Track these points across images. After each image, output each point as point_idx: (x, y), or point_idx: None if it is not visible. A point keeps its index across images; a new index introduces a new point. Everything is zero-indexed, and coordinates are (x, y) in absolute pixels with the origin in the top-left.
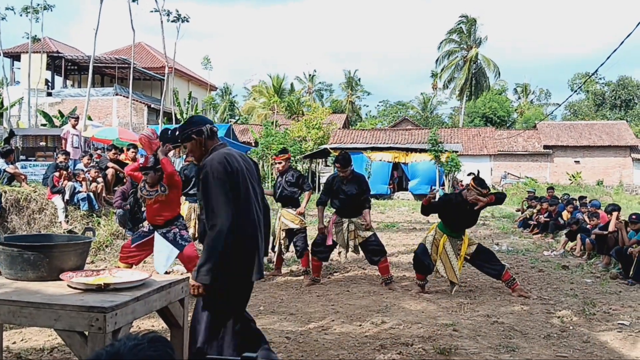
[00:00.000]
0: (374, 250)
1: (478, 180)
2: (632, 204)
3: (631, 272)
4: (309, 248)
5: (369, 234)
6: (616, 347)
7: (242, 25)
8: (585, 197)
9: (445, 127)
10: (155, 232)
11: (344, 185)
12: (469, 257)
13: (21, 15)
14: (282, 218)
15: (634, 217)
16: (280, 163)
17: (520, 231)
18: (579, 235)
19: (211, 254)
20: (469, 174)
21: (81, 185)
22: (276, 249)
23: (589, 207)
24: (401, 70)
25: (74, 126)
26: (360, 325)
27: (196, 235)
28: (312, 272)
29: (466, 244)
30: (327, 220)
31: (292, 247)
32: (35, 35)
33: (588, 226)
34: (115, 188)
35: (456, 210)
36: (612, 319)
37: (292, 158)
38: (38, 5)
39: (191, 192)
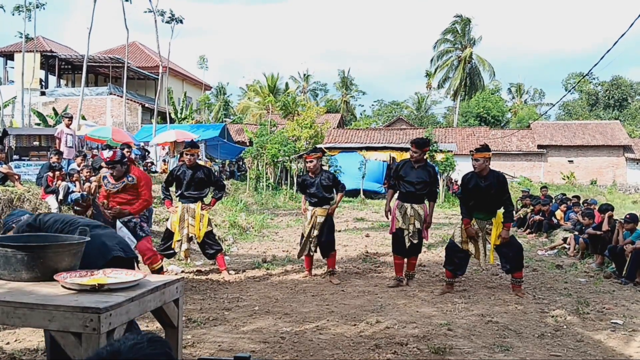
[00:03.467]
0: (413, 246)
1: None
2: (626, 203)
3: (624, 272)
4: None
5: (418, 225)
6: (610, 346)
7: (236, 24)
8: (579, 196)
9: (439, 127)
10: (117, 221)
11: (412, 170)
12: (498, 244)
13: (13, 14)
14: (318, 217)
15: (627, 217)
16: (311, 162)
17: (514, 230)
18: (572, 235)
19: None
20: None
21: (74, 185)
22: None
23: (582, 207)
24: (395, 69)
25: (68, 126)
26: (355, 325)
27: (190, 236)
28: (395, 272)
29: (498, 229)
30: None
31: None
32: (28, 34)
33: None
34: None
35: (474, 192)
36: (605, 318)
37: (287, 158)
38: (30, 3)
39: (187, 193)
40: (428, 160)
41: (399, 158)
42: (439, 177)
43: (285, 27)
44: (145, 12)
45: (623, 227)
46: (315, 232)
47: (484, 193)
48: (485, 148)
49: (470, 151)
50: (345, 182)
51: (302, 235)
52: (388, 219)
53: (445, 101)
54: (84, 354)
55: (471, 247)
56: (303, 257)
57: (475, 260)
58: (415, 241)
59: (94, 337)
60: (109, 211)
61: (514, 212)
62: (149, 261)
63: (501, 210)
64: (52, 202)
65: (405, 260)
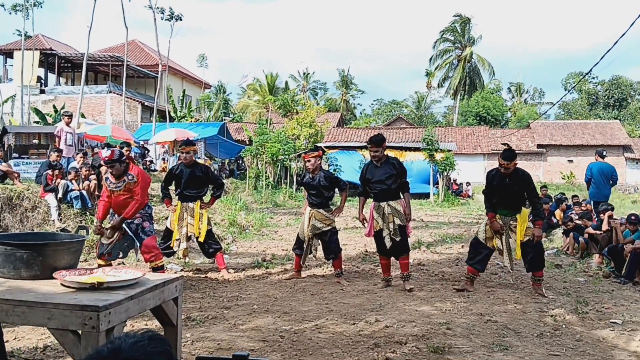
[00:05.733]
0: (397, 244)
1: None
2: (625, 203)
3: (623, 271)
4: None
5: (399, 222)
6: (609, 346)
7: (235, 24)
8: (578, 196)
9: (439, 126)
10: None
11: (377, 169)
12: (523, 240)
13: (10, 13)
14: (313, 219)
15: (633, 217)
16: (309, 161)
17: None
18: (571, 234)
19: None
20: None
21: (72, 184)
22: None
23: (582, 206)
24: (395, 68)
25: (67, 124)
26: (354, 324)
27: (188, 235)
28: (382, 273)
29: (523, 226)
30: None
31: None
32: (27, 32)
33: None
34: None
35: (498, 188)
36: (604, 317)
37: (287, 156)
38: (27, 1)
39: (186, 192)
40: (388, 155)
41: (398, 157)
42: (438, 176)
43: (285, 26)
44: (145, 7)
45: (626, 227)
46: (318, 241)
47: (508, 190)
48: (514, 155)
49: (501, 163)
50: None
51: (298, 236)
52: (365, 226)
53: (445, 100)
54: (83, 352)
55: (497, 243)
56: (294, 256)
57: (499, 257)
58: (397, 239)
59: (93, 336)
60: (107, 227)
61: None
62: (153, 258)
63: (527, 208)
64: (51, 200)
65: (397, 261)
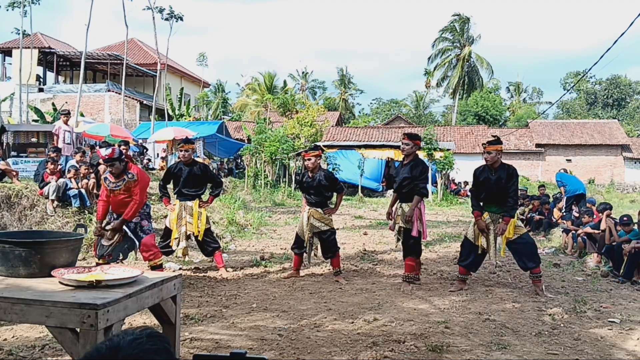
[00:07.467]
0: (404, 245)
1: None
2: (624, 202)
3: (622, 270)
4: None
5: (402, 224)
6: (607, 345)
7: (234, 22)
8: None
9: (438, 125)
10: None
11: (401, 169)
12: (512, 239)
13: (7, 10)
14: (312, 218)
15: (625, 218)
16: (309, 160)
17: None
18: (570, 233)
19: None
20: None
21: (71, 182)
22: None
23: (581, 206)
24: (394, 68)
25: (65, 122)
26: (352, 322)
27: (187, 234)
28: (415, 271)
29: (512, 225)
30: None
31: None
32: (25, 30)
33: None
34: None
35: (485, 184)
36: (602, 316)
37: (286, 155)
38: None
39: (184, 190)
40: (420, 157)
41: (397, 156)
42: (437, 175)
43: (283, 25)
44: (144, 9)
45: (616, 226)
46: (316, 239)
47: (493, 186)
48: (497, 141)
49: (483, 144)
50: (343, 180)
51: (297, 235)
52: (390, 220)
53: (444, 99)
54: (81, 350)
55: (483, 242)
56: (293, 255)
57: (488, 255)
58: (400, 239)
59: (91, 334)
60: (108, 229)
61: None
62: (152, 257)
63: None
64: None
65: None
